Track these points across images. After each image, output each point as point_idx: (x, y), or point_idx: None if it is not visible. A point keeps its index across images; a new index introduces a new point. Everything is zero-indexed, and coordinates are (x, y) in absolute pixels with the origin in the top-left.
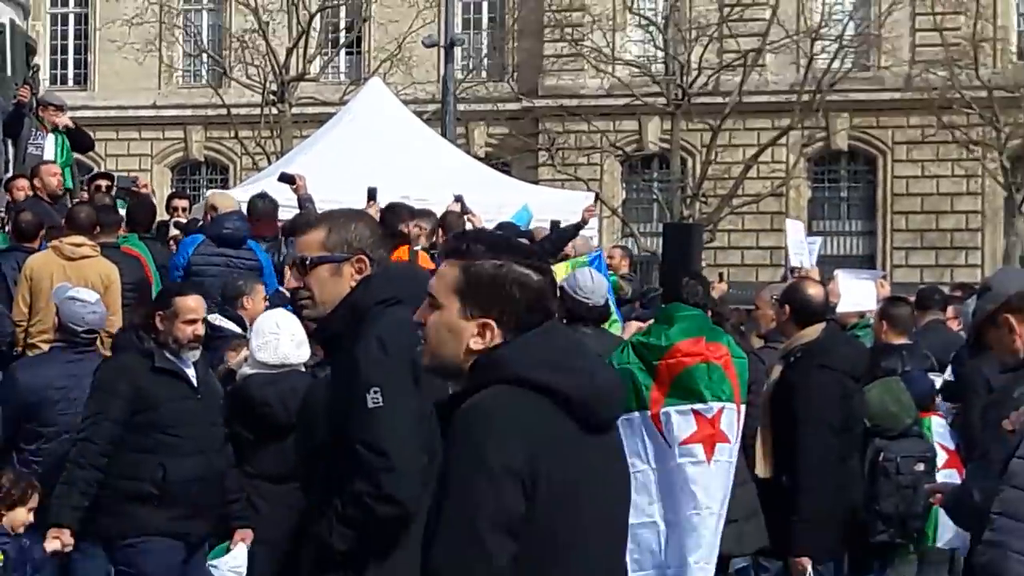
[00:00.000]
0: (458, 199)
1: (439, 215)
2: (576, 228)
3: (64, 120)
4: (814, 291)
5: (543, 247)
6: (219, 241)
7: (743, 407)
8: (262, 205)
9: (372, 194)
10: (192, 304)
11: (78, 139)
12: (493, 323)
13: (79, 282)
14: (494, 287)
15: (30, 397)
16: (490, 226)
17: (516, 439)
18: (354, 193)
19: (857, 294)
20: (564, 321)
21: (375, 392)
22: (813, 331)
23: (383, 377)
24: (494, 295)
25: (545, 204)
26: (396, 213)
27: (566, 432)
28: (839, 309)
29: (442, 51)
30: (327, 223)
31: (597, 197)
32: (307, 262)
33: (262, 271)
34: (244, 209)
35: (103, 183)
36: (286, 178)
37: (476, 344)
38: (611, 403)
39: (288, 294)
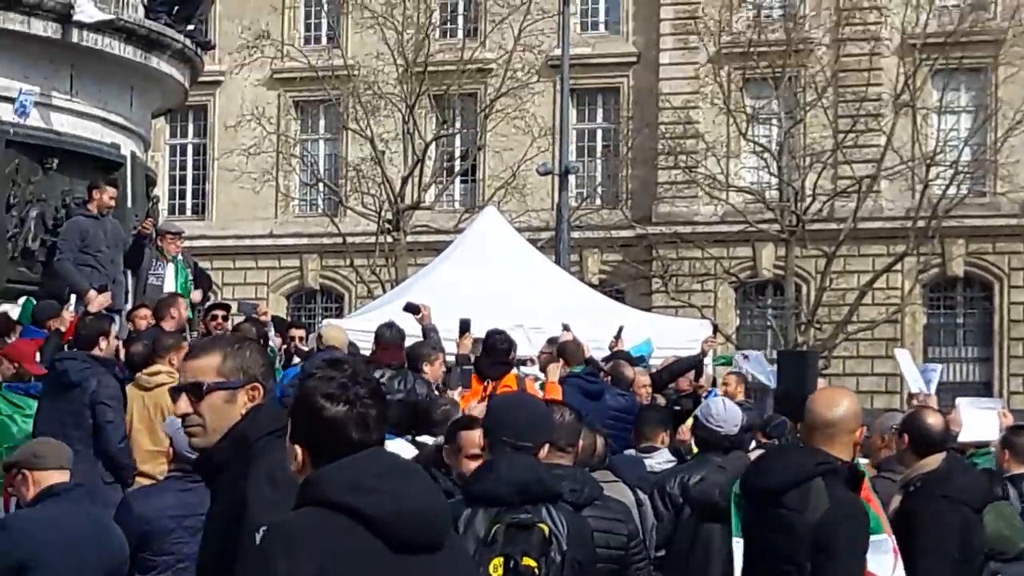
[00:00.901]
0: (566, 328)
1: (553, 343)
2: (695, 360)
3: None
4: (933, 420)
5: (660, 377)
6: None
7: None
8: (389, 334)
9: (465, 326)
10: (476, 438)
11: (199, 282)
12: (300, 448)
13: (156, 411)
14: (298, 415)
15: (145, 527)
16: (602, 354)
17: (306, 556)
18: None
19: (979, 424)
20: (698, 449)
21: (264, 530)
22: (933, 460)
23: (273, 516)
24: (299, 422)
25: (659, 331)
26: (498, 342)
27: (370, 551)
28: (961, 439)
29: (556, 179)
30: (221, 348)
31: (715, 328)
32: (202, 388)
33: None
34: (372, 338)
35: (219, 313)
36: (411, 308)
37: (294, 467)
38: (423, 525)
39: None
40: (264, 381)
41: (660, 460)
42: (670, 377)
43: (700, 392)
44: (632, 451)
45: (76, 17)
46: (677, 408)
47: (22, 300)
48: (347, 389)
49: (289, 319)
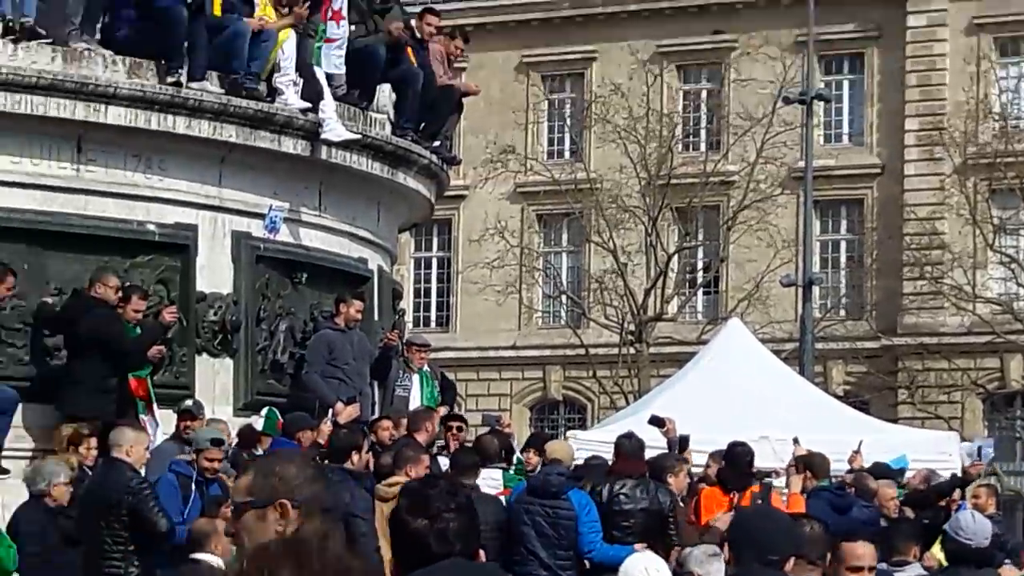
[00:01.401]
0: (796, 441)
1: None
2: (960, 481)
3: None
4: None
5: (927, 496)
6: (535, 491)
7: None
8: (628, 445)
9: (684, 443)
10: (860, 551)
11: (445, 393)
12: (393, 558)
13: None
14: (391, 527)
15: None
16: (842, 467)
17: None
18: (713, 432)
19: None
20: (948, 563)
21: None
22: None
23: None
24: (392, 534)
25: (905, 443)
26: (741, 454)
27: None
28: None
29: (800, 290)
30: (254, 468)
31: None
32: (237, 508)
33: (576, 522)
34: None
35: (454, 424)
36: (656, 421)
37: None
38: None
39: None
40: (297, 496)
41: (912, 574)
42: (937, 496)
43: (951, 506)
44: (883, 564)
45: (324, 135)
46: (926, 522)
47: (265, 411)
48: (431, 504)
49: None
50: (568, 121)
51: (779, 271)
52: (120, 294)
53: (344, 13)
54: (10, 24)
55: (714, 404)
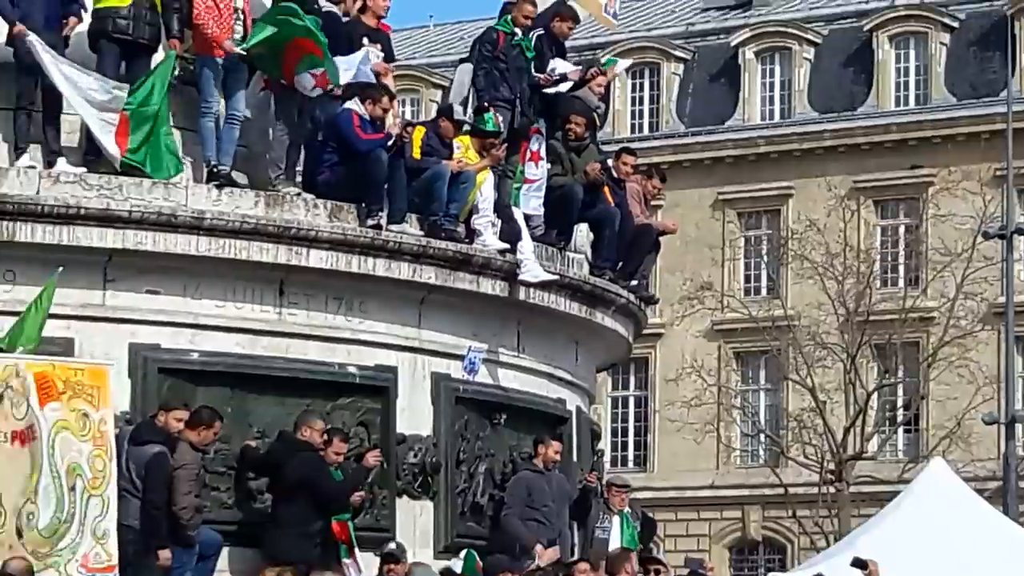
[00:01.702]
0: None
1: None
2: None
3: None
4: None
5: None
6: None
7: None
8: None
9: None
10: None
11: (645, 532)
12: None
13: None
14: None
15: None
16: None
17: None
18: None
19: None
20: None
21: None
22: None
23: None
24: None
25: None
26: None
27: None
28: None
29: (1002, 428)
30: None
31: None
32: None
33: None
34: None
35: (652, 567)
36: (858, 563)
37: None
38: None
39: None
40: None
41: None
42: None
43: None
44: None
45: (522, 277)
46: None
47: (463, 553)
48: None
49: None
50: (765, 258)
51: (981, 408)
52: (324, 437)
53: (542, 154)
54: (214, 169)
55: (918, 546)
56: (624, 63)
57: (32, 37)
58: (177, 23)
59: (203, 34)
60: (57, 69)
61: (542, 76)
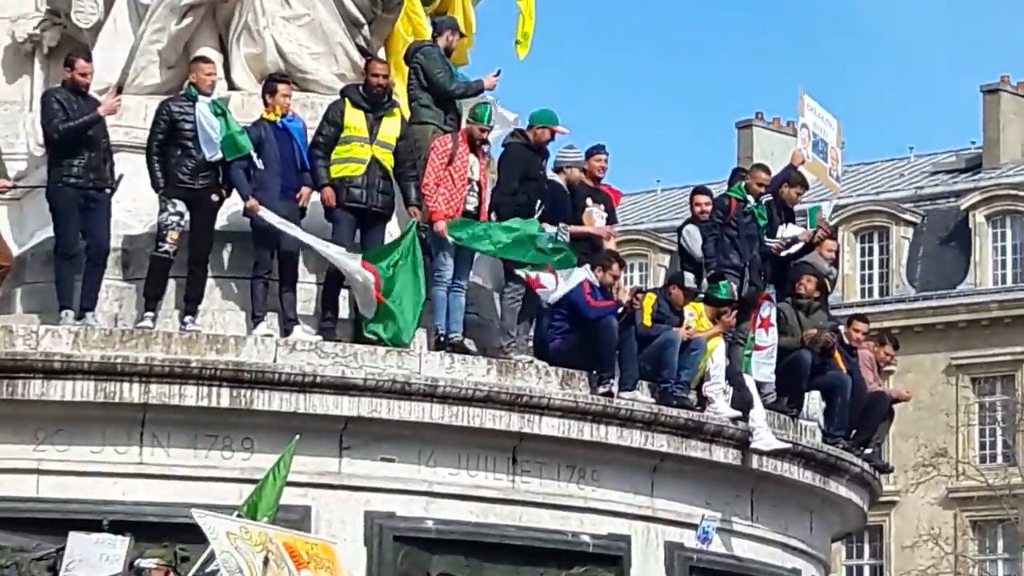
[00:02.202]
0: None
1: None
2: None
3: None
4: None
5: None
6: None
7: None
8: None
9: None
10: None
11: None
12: None
13: None
14: None
15: None
16: None
17: None
18: None
19: None
20: None
21: None
22: None
23: None
24: None
25: None
26: None
27: None
28: None
29: None
30: None
31: None
32: None
33: None
34: None
35: None
36: None
37: None
38: None
39: None
40: None
41: None
42: None
43: None
44: None
45: (755, 445)
46: None
47: None
48: None
49: None
50: (1000, 424)
51: None
52: None
53: (773, 320)
54: (441, 338)
55: None
56: (828, 206)
57: (264, 211)
58: (415, 191)
59: (429, 206)
60: (294, 231)
61: (774, 242)
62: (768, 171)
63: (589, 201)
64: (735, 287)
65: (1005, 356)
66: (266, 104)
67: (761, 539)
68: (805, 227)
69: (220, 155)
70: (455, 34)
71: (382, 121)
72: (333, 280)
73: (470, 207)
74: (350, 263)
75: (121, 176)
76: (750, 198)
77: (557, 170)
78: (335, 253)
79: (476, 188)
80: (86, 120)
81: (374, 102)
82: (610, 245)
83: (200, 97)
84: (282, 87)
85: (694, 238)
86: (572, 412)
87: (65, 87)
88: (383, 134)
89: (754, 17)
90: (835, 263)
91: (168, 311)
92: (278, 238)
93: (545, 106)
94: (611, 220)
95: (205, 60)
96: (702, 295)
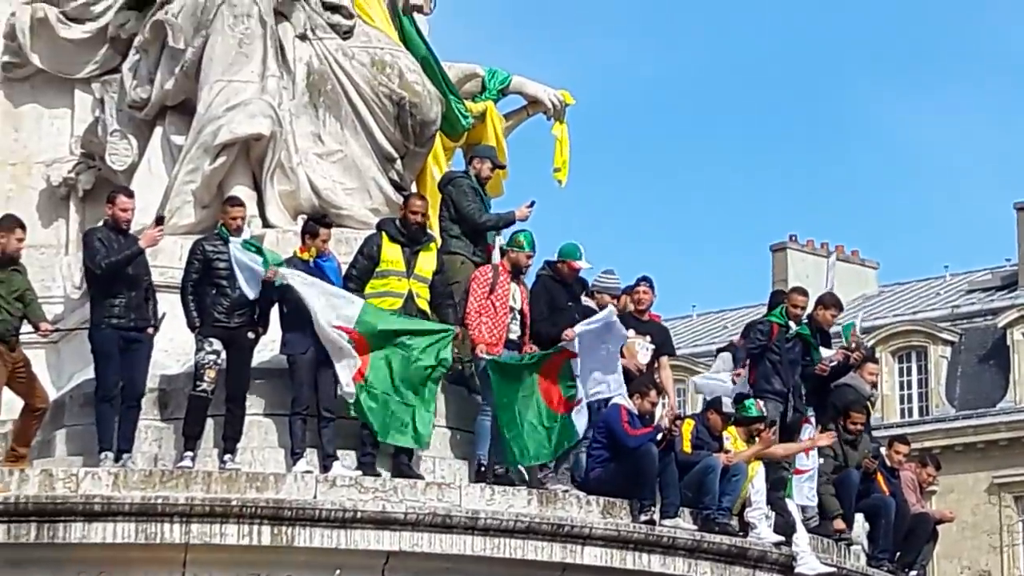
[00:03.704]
0: None
1: None
2: None
3: None
4: None
5: None
6: None
7: None
8: None
9: None
10: None
11: None
12: None
13: None
14: None
15: None
16: None
17: None
18: None
19: None
20: None
21: None
22: None
23: None
24: None
25: None
26: None
27: None
28: None
29: None
30: None
31: None
32: None
33: None
34: None
35: None
36: None
37: None
38: None
39: None
40: None
41: None
42: None
43: None
44: None
45: (798, 569)
46: None
47: None
48: None
49: None
50: None
51: None
52: None
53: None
54: (483, 469)
55: None
56: (860, 323)
57: (286, 270)
58: (452, 316)
59: (472, 335)
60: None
61: (819, 366)
62: (805, 293)
63: (632, 332)
64: (762, 404)
65: None
66: (303, 243)
67: None
68: (842, 347)
69: (255, 294)
70: (484, 162)
71: (418, 256)
72: None
73: (512, 335)
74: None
75: (164, 314)
76: (791, 323)
77: (591, 294)
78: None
79: (519, 317)
80: (128, 254)
81: (412, 237)
82: (667, 374)
83: (231, 238)
84: (323, 231)
85: (725, 363)
86: (614, 541)
87: (106, 226)
88: (420, 268)
89: (784, 139)
90: (874, 384)
91: (207, 450)
92: (315, 372)
93: (576, 235)
94: (667, 351)
95: (232, 202)
96: (734, 418)
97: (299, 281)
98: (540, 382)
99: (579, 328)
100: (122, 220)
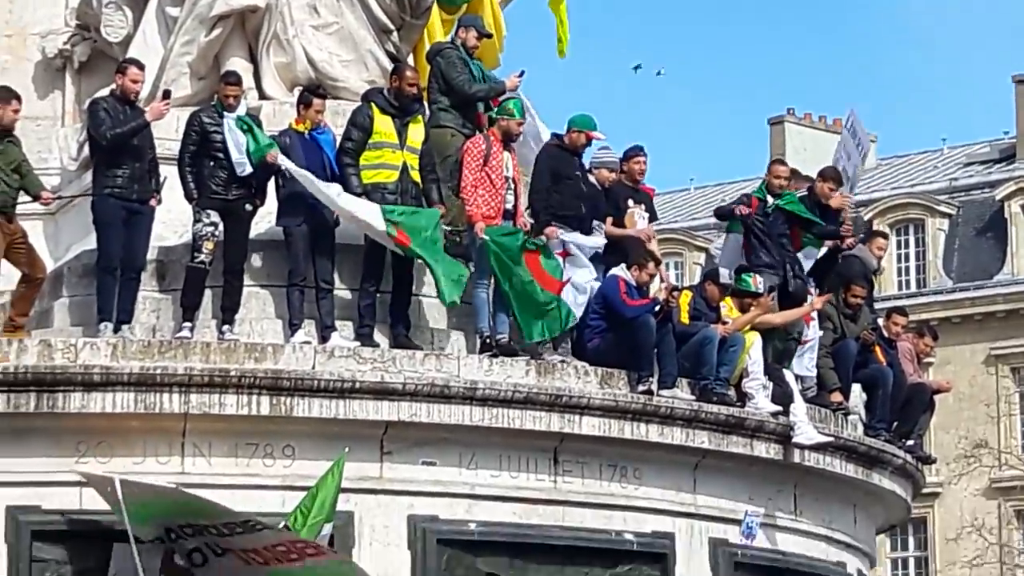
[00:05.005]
0: None
1: None
2: None
3: None
4: None
5: None
6: None
7: None
8: None
9: None
10: None
11: None
12: None
13: None
14: None
15: None
16: None
17: None
18: None
19: None
20: None
21: None
22: None
23: None
24: None
25: None
26: None
27: None
28: None
29: None
30: None
31: None
32: None
33: None
34: None
35: None
36: None
37: None
38: None
39: None
40: None
41: None
42: None
43: None
44: None
45: (796, 439)
46: None
47: None
48: None
49: None
50: None
51: None
52: None
53: (814, 315)
54: (487, 340)
55: None
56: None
57: (283, 159)
58: (436, 192)
59: (468, 209)
60: (315, 184)
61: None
62: (784, 163)
63: (631, 202)
64: (760, 280)
65: None
66: (298, 114)
67: (805, 533)
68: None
69: (250, 170)
70: (468, 31)
71: (408, 127)
72: (369, 281)
73: (507, 205)
74: (363, 209)
75: (166, 178)
76: (770, 198)
77: (589, 170)
78: (354, 209)
79: (512, 185)
80: (133, 126)
81: (403, 108)
82: (652, 246)
83: (226, 113)
84: (316, 102)
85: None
86: (612, 411)
87: (112, 96)
88: (411, 140)
89: (782, 11)
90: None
91: (205, 321)
92: (312, 244)
93: (574, 108)
94: (652, 218)
95: (228, 78)
96: (731, 289)
97: (299, 173)
98: (527, 260)
99: (567, 237)
100: (131, 91)
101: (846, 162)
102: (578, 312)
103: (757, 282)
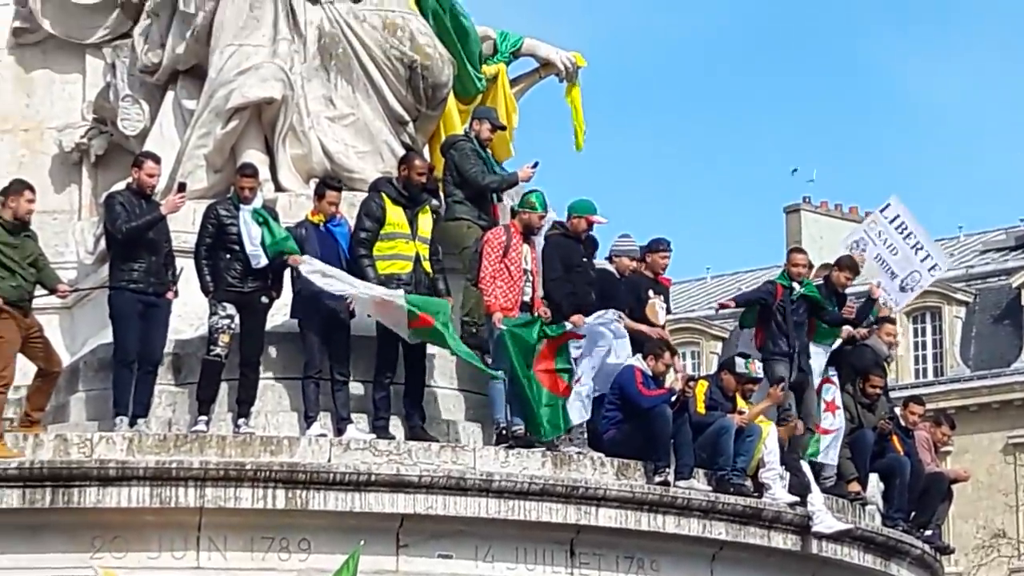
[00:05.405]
0: None
1: None
2: None
3: None
4: None
5: None
6: None
7: None
8: None
9: None
10: None
11: None
12: None
13: None
14: None
15: None
16: None
17: None
18: None
19: None
20: None
21: None
22: None
23: None
24: None
25: None
26: None
27: None
28: None
29: None
30: None
31: None
32: None
33: None
34: None
35: None
36: None
37: None
38: None
39: None
40: None
41: None
42: None
43: None
44: None
45: (815, 528)
46: None
47: None
48: None
49: None
50: None
51: None
52: None
53: (838, 403)
54: (503, 432)
55: None
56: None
57: (305, 265)
58: (443, 283)
59: (486, 300)
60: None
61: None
62: (803, 252)
63: (651, 293)
64: (758, 366)
65: None
66: (314, 206)
67: None
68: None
69: (265, 262)
70: (482, 123)
71: (418, 216)
72: (383, 372)
73: (525, 297)
74: (387, 292)
75: (182, 269)
76: (795, 284)
77: (609, 258)
78: (379, 293)
79: (530, 278)
80: (149, 219)
81: (412, 198)
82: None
83: (242, 206)
84: (331, 194)
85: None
86: (629, 502)
87: (129, 189)
88: (422, 230)
89: (799, 101)
90: (891, 345)
91: (221, 414)
92: (326, 336)
93: (590, 196)
94: (667, 311)
95: (244, 170)
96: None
97: (319, 274)
98: (542, 352)
99: (590, 319)
100: (147, 185)
101: (883, 251)
102: (582, 416)
103: (755, 367)
